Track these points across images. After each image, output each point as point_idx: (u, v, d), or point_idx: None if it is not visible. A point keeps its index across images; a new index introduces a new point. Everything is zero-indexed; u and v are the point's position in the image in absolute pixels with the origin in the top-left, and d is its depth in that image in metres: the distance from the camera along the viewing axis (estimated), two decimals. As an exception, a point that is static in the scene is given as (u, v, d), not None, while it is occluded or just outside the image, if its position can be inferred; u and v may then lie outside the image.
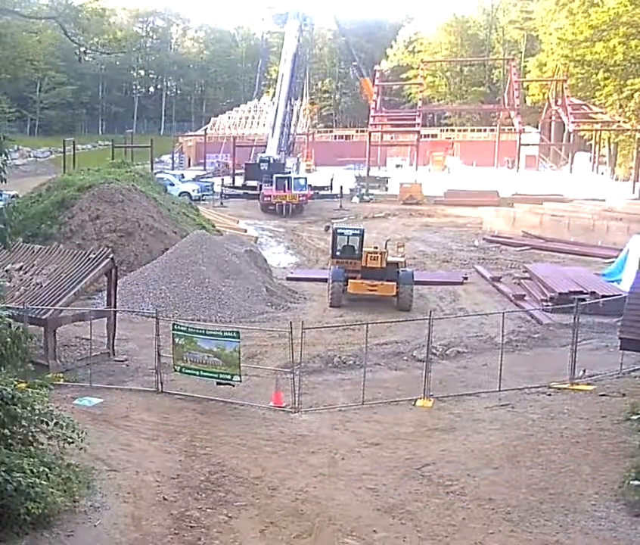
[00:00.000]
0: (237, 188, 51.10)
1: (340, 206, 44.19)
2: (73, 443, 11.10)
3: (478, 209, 41.54)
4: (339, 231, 25.62)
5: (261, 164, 48.82)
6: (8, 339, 11.00)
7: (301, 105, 59.44)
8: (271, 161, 48.95)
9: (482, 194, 45.72)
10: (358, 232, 25.42)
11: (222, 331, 16.55)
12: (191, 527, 10.80)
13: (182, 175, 54.55)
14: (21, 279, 18.68)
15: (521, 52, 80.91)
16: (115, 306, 19.40)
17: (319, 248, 33.51)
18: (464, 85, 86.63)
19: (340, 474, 12.67)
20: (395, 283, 23.59)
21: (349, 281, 23.96)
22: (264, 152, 50.90)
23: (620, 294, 20.38)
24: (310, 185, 46.66)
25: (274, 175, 44.38)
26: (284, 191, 42.37)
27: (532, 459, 13.12)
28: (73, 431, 11.07)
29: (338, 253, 24.98)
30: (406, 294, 23.58)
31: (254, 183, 47.43)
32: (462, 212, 42.29)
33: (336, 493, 11.96)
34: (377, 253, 24.47)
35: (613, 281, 25.07)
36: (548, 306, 22.65)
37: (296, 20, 52.61)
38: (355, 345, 19.09)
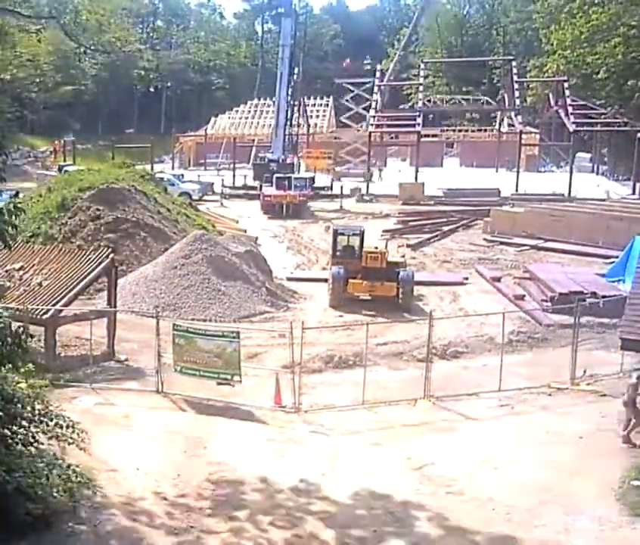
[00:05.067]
0: (238, 188, 51.04)
1: (341, 206, 44.17)
2: (73, 443, 11.11)
3: (478, 208, 41.51)
4: (339, 231, 25.65)
5: (270, 164, 48.83)
6: (9, 339, 10.99)
7: (301, 105, 59.33)
8: (280, 161, 48.99)
9: (482, 193, 45.68)
10: (358, 231, 25.31)
11: (222, 332, 16.55)
12: (191, 527, 10.81)
13: (182, 175, 54.47)
14: (21, 279, 18.67)
15: (521, 53, 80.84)
16: (115, 306, 19.39)
17: (319, 248, 33.49)
18: (464, 85, 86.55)
19: (340, 475, 12.68)
20: (395, 283, 23.52)
21: (349, 281, 23.83)
22: (272, 152, 50.64)
23: (621, 294, 20.36)
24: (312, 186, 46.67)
25: (275, 175, 44.34)
26: (284, 191, 42.33)
27: (533, 459, 13.14)
28: (73, 431, 11.08)
29: (338, 254, 25.04)
30: (407, 294, 23.49)
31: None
32: (462, 211, 42.17)
33: (336, 493, 11.96)
34: (377, 253, 24.40)
35: (614, 282, 25.06)
36: (548, 306, 22.64)
37: (289, 19, 52.27)
38: (356, 345, 19.05)
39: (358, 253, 24.44)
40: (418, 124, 51.87)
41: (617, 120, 52.53)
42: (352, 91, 67.55)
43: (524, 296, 24.48)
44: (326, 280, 24.88)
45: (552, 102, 59.77)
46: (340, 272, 23.92)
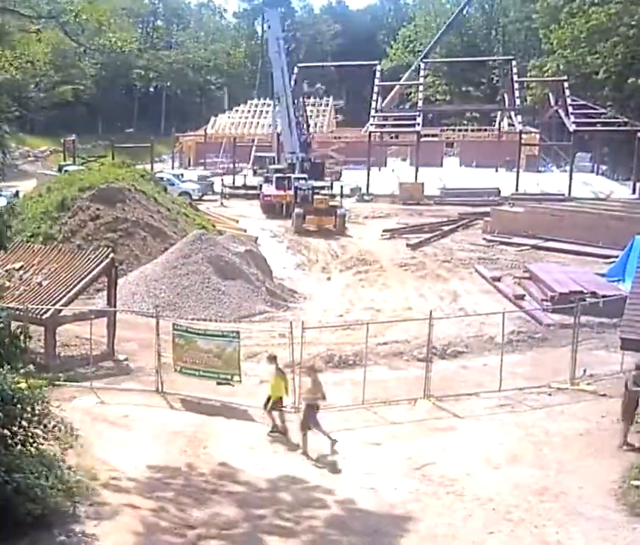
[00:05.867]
0: (238, 187, 50.98)
1: (341, 205, 44.17)
2: (72, 443, 11.10)
3: (478, 208, 41.49)
4: (298, 187, 39.22)
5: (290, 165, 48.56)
6: (8, 339, 10.99)
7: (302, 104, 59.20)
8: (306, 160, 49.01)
9: (482, 193, 45.66)
10: (311, 187, 39.25)
11: (222, 332, 16.53)
12: (191, 527, 10.80)
13: (182, 174, 54.46)
14: (21, 279, 18.66)
15: (521, 52, 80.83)
16: (115, 306, 19.38)
17: (319, 248, 33.52)
18: (464, 85, 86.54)
19: (340, 474, 12.67)
20: (334, 217, 36.74)
21: (306, 217, 36.83)
22: (290, 153, 50.14)
23: (621, 294, 20.35)
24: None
25: (275, 175, 44.24)
26: (284, 191, 42.27)
27: (532, 459, 13.13)
28: (72, 432, 11.07)
29: (299, 201, 38.27)
30: (340, 224, 36.64)
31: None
32: (462, 211, 42.12)
33: (336, 493, 11.96)
34: (322, 199, 38.32)
35: (614, 281, 25.04)
36: (548, 306, 22.63)
37: (274, 9, 50.85)
38: (356, 345, 19.04)
39: (311, 200, 37.80)
40: (418, 124, 51.87)
41: (617, 120, 52.51)
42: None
43: (524, 296, 24.47)
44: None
45: (552, 102, 59.75)
46: (300, 211, 37.00)
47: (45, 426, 10.83)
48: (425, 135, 58.14)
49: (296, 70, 53.81)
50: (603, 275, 26.18)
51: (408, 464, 13.01)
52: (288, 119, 50.07)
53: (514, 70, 58.85)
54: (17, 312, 15.95)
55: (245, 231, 35.95)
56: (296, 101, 51.95)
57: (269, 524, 11.04)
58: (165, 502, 11.45)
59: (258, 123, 68.00)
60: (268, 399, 14.61)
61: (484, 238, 35.38)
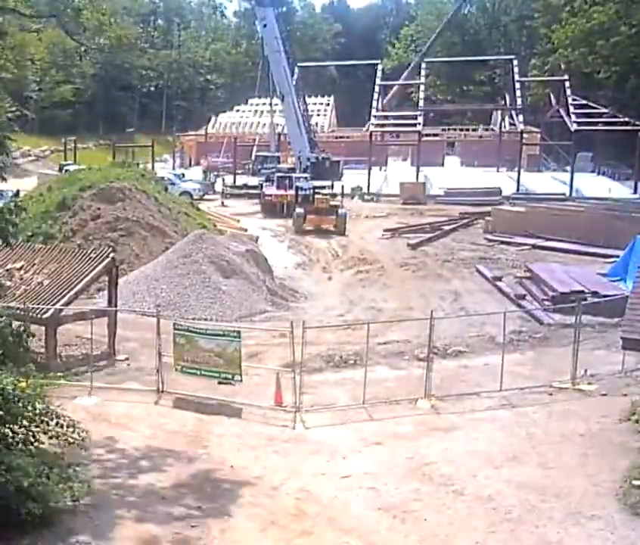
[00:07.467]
0: (239, 187, 51.02)
1: (342, 205, 44.14)
2: (73, 443, 11.10)
3: (479, 208, 41.48)
4: (299, 186, 39.61)
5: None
6: (10, 338, 11.00)
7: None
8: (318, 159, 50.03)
9: (483, 192, 45.65)
10: (312, 186, 39.32)
11: (223, 331, 16.52)
12: (191, 527, 10.80)
13: (183, 174, 54.46)
14: (22, 278, 18.67)
15: (522, 52, 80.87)
16: (116, 306, 19.39)
17: (319, 248, 33.52)
18: (466, 85, 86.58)
19: (340, 474, 12.66)
20: (335, 217, 36.44)
21: (307, 216, 36.74)
22: (301, 151, 50.30)
23: (622, 294, 20.34)
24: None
25: (277, 175, 44.26)
26: (285, 191, 42.28)
27: (533, 459, 13.12)
28: (73, 431, 11.08)
29: (299, 200, 38.41)
30: (341, 224, 36.33)
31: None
32: (463, 211, 42.12)
33: (337, 493, 11.95)
34: (324, 198, 37.81)
35: (615, 281, 25.04)
36: (549, 305, 22.62)
37: (270, 8, 50.20)
38: (356, 344, 19.03)
39: (312, 200, 37.58)
40: (419, 123, 51.88)
41: (618, 119, 52.49)
42: None
43: (525, 295, 24.47)
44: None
45: (553, 101, 59.75)
46: (301, 211, 36.95)
47: (48, 424, 10.84)
48: (426, 135, 58.12)
49: (296, 69, 53.68)
50: (604, 275, 26.16)
51: (408, 464, 13.00)
52: (296, 118, 49.73)
53: (515, 69, 58.83)
54: (18, 311, 15.96)
55: (246, 230, 35.96)
56: (299, 100, 51.92)
57: (267, 525, 11.03)
58: (165, 502, 11.45)
59: (259, 122, 68.00)
60: None
61: (485, 238, 35.40)
